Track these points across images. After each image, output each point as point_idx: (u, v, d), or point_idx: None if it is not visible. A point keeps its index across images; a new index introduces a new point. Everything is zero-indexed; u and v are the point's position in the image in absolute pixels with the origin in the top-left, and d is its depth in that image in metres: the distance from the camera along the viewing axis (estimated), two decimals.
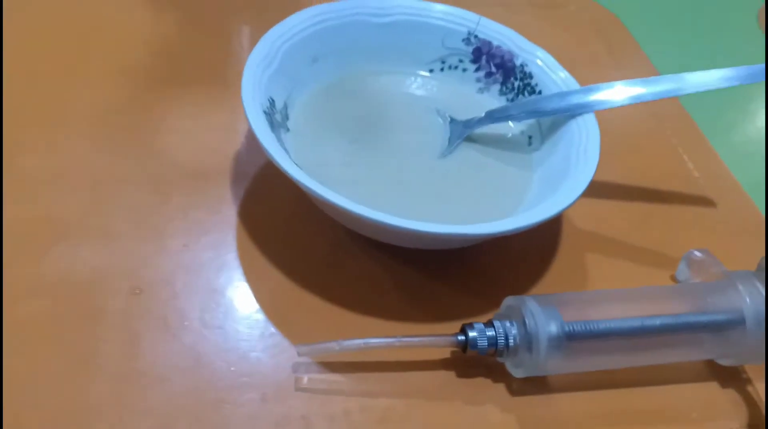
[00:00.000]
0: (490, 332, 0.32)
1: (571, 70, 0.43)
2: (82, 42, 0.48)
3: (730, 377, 0.36)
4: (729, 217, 0.44)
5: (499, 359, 0.33)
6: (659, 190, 0.45)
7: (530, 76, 0.43)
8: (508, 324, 0.33)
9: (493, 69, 0.45)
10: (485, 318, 0.33)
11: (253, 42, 0.39)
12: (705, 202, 0.45)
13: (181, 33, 0.49)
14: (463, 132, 0.42)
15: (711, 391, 0.35)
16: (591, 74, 0.53)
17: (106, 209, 0.38)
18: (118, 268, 0.35)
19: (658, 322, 0.33)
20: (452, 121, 0.43)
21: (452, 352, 0.34)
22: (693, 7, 0.64)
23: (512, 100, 0.44)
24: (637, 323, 0.33)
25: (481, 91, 0.45)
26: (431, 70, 0.45)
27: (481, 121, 0.42)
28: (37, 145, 0.40)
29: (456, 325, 0.34)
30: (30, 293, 0.34)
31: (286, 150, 0.36)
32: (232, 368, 0.32)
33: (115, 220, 0.37)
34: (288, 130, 0.39)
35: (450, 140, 0.42)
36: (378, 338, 0.32)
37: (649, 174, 0.46)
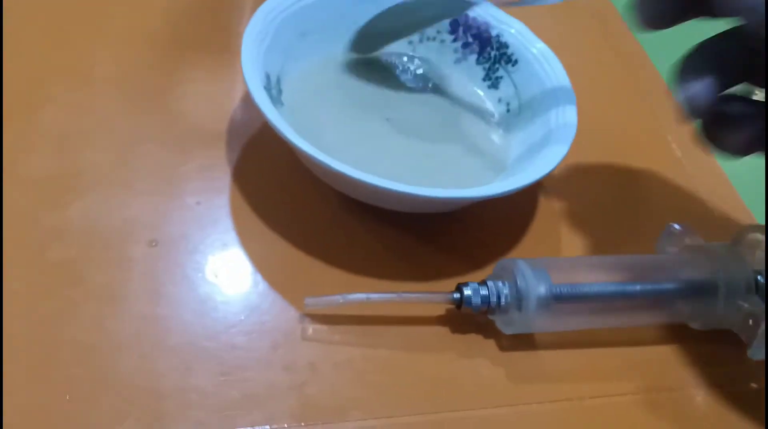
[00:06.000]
0: (484, 291, 0.35)
1: (561, 50, 0.45)
2: (105, 7, 0.49)
3: (701, 339, 0.38)
4: (706, 193, 0.47)
5: (491, 317, 0.36)
6: (639, 167, 0.48)
7: (506, 46, 0.46)
8: (500, 284, 0.35)
9: (470, 40, 0.47)
10: (472, 278, 0.36)
11: (251, 13, 0.40)
12: (685, 178, 0.48)
13: (193, 2, 0.51)
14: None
15: (681, 350, 0.38)
16: (581, 54, 0.55)
17: (129, 166, 0.40)
18: (138, 221, 0.38)
19: (638, 287, 0.36)
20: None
21: (447, 310, 0.37)
22: None
23: (489, 68, 0.46)
24: (618, 288, 0.36)
25: (458, 61, 0.47)
26: (410, 42, 0.48)
27: None
28: (63, 103, 0.42)
29: (444, 285, 0.37)
30: (57, 241, 0.36)
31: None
32: (242, 317, 0.35)
33: (136, 177, 0.40)
34: (282, 104, 0.41)
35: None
36: (379, 293, 0.35)
37: (630, 151, 0.49)
